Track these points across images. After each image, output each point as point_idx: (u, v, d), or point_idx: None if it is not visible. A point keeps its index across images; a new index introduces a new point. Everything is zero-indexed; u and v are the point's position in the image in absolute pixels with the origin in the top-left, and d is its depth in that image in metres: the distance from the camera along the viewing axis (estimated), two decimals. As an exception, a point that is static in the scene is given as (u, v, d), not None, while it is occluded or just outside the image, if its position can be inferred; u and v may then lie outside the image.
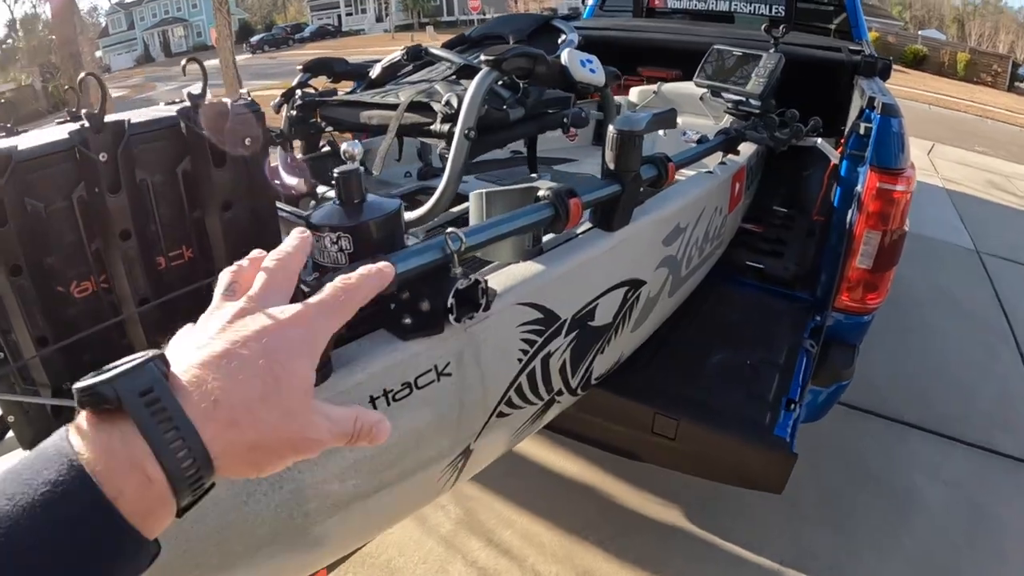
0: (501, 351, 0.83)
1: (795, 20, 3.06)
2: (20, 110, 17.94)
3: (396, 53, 1.62)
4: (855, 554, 1.85)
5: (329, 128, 1.45)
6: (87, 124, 0.59)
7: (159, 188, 0.66)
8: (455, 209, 1.27)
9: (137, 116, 0.64)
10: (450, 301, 0.68)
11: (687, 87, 2.19)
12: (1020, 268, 4.26)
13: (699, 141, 1.65)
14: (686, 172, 1.46)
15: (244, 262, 0.41)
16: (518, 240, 0.89)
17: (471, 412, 0.81)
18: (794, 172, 2.42)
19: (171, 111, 0.66)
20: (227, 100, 0.67)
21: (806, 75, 2.07)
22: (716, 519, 1.93)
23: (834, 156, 1.85)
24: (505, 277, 0.85)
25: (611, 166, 1.01)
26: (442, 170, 1.12)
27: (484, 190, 0.96)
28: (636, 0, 3.55)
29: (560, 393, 1.02)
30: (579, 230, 1.03)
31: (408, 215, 1.13)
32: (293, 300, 0.39)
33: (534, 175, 1.50)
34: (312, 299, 0.38)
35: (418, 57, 1.59)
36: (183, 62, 0.72)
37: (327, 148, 1.49)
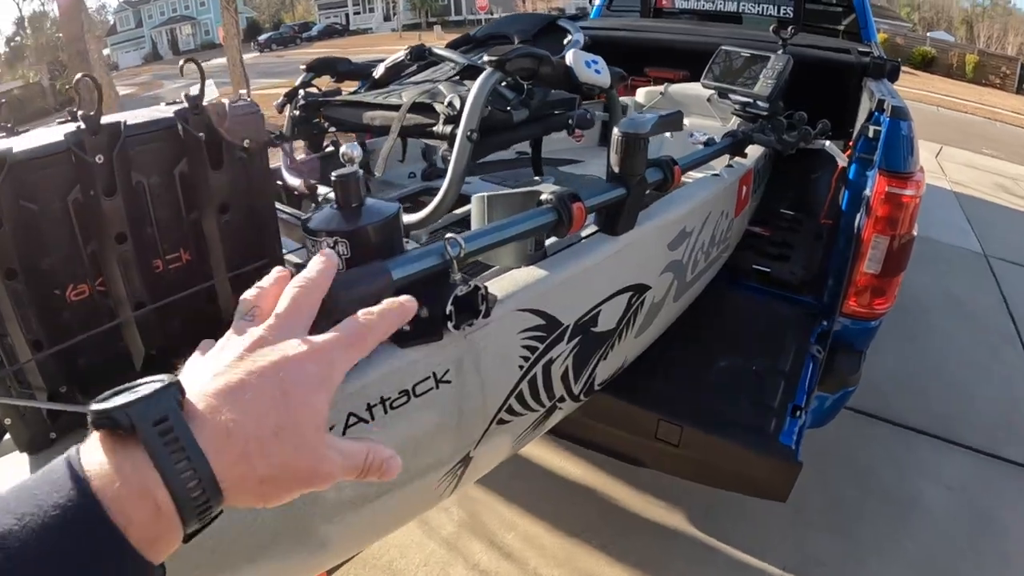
0: (501, 358, 0.82)
1: (803, 21, 3.03)
2: (28, 107, 18.09)
3: (400, 53, 1.61)
4: (862, 561, 1.84)
5: (332, 128, 1.44)
6: (83, 126, 0.58)
7: (156, 190, 0.65)
8: (459, 211, 1.26)
9: (134, 117, 0.63)
10: (449, 308, 0.67)
11: (694, 88, 2.17)
12: (1028, 272, 4.22)
13: (706, 143, 1.63)
14: (692, 175, 1.44)
15: (265, 283, 0.41)
16: (520, 245, 0.88)
17: (470, 419, 0.80)
18: (802, 175, 2.40)
19: (168, 112, 0.65)
20: (225, 101, 0.66)
21: (814, 77, 2.05)
22: (718, 523, 1.92)
23: (842, 159, 1.83)
24: (506, 283, 0.84)
25: (616, 169, 0.99)
26: (446, 171, 1.11)
27: (486, 194, 0.95)
28: (643, 0, 3.53)
29: (562, 400, 1.00)
30: (583, 234, 1.02)
31: (410, 218, 1.12)
32: (320, 315, 0.39)
33: (539, 177, 1.48)
34: (332, 333, 0.38)
35: (422, 57, 1.58)
36: (181, 62, 0.71)
37: (331, 148, 1.49)
